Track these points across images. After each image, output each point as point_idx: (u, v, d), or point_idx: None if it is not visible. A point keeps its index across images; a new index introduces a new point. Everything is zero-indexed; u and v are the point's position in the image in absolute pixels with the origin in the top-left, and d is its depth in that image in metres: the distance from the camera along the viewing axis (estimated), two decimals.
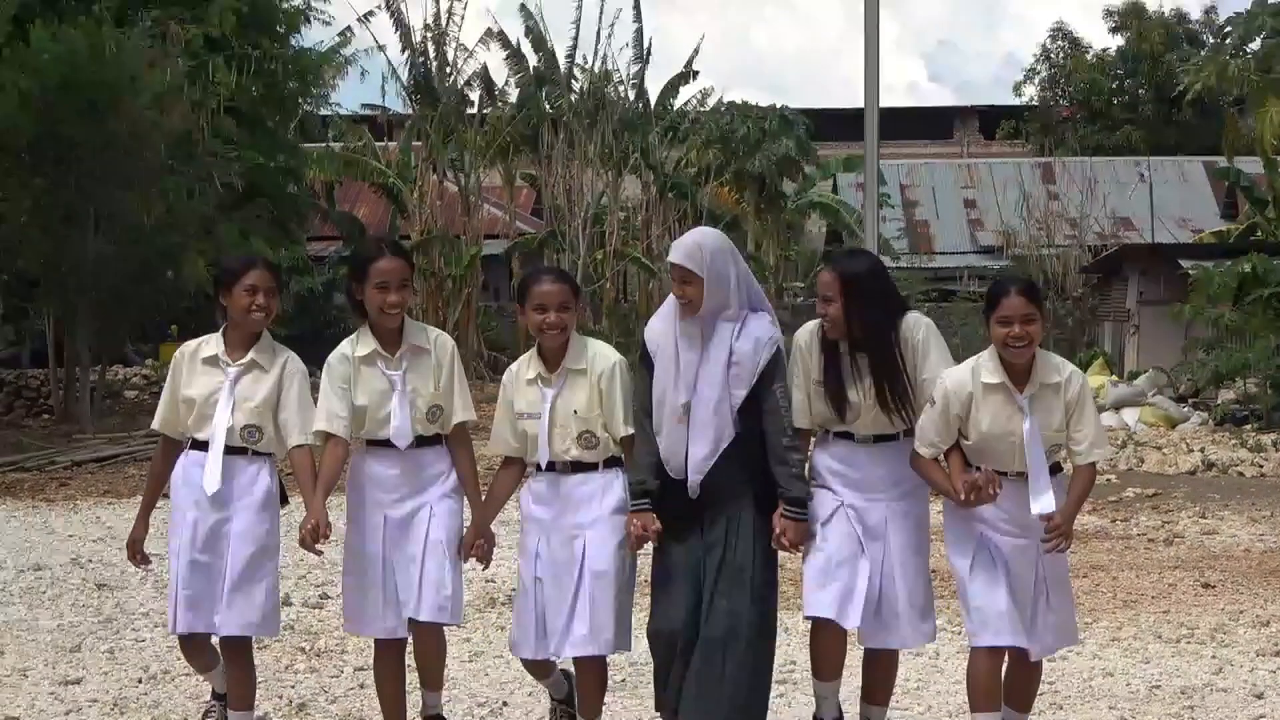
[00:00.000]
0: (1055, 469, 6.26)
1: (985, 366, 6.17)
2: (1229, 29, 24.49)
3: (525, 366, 6.52)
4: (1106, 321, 34.77)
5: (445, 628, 6.63)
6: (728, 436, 6.14)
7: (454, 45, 35.82)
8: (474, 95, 36.90)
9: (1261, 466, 18.78)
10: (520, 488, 6.76)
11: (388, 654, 6.62)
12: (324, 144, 37.96)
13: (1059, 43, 57.07)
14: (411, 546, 6.40)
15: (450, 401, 6.48)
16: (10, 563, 11.74)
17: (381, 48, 36.64)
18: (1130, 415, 23.56)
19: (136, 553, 6.86)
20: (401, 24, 35.51)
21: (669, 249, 6.38)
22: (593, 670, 6.44)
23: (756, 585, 6.18)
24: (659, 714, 6.49)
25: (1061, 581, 6.38)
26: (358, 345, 6.46)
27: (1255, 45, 22.55)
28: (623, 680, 7.81)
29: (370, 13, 36.23)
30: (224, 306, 6.57)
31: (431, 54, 35.69)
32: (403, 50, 35.71)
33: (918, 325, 6.35)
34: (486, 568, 6.87)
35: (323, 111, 39.28)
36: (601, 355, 6.46)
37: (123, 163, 23.93)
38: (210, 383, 6.50)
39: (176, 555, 6.49)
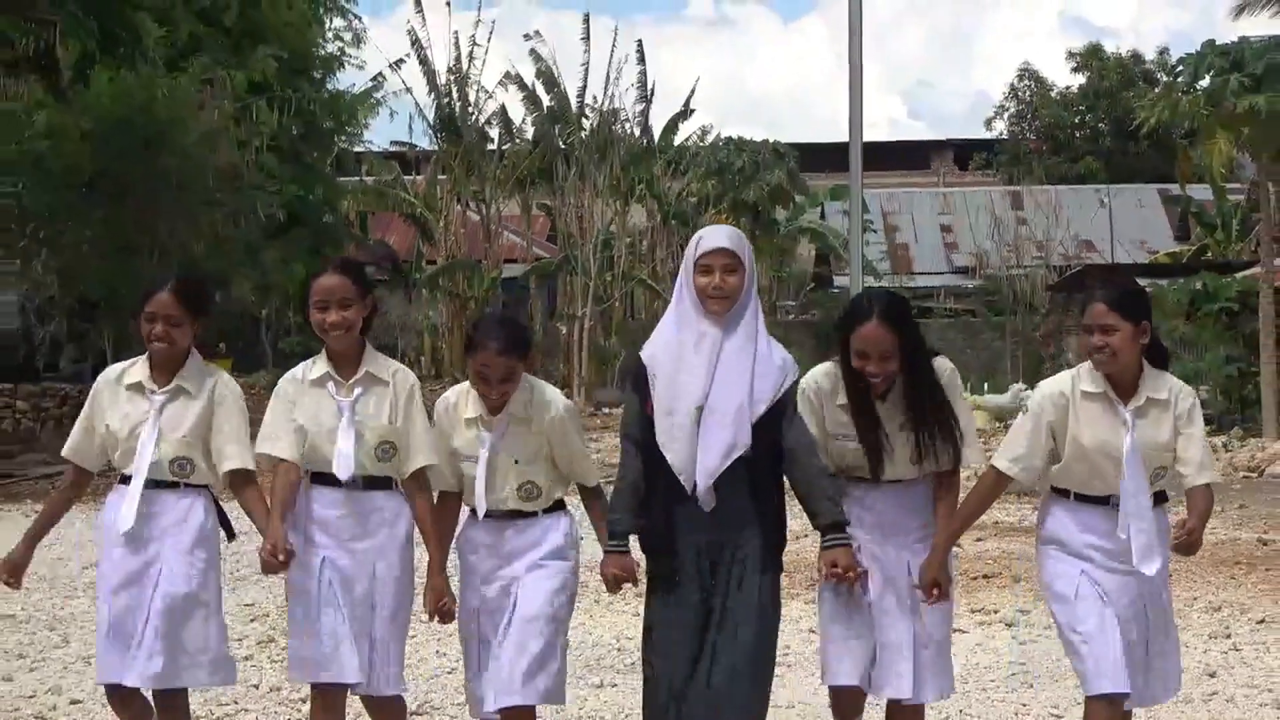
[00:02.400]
0: (1160, 497, 5.30)
1: (1085, 375, 5.26)
2: (1180, 68, 24.37)
3: (464, 402, 5.41)
4: (1071, 335, 34.79)
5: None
6: (742, 445, 5.05)
7: (475, 87, 36.01)
8: (494, 132, 37.07)
9: None
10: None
11: (327, 702, 5.37)
12: (357, 178, 38.15)
13: (1025, 82, 57.07)
14: (358, 607, 5.31)
15: (405, 441, 5.37)
16: (74, 560, 11.75)
17: (409, 90, 36.81)
18: None
19: (15, 576, 5.60)
20: (428, 69, 35.69)
21: (702, 239, 5.26)
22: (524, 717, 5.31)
23: (765, 613, 5.17)
24: None
25: (1167, 622, 5.42)
26: (312, 368, 5.43)
27: (1204, 83, 22.47)
28: None
29: (400, 60, 36.41)
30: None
31: (455, 95, 35.81)
32: (429, 92, 35.92)
33: (942, 371, 5.37)
34: (448, 622, 5.50)
35: (356, 148, 39.45)
36: (549, 402, 5.39)
37: (175, 196, 24.01)
38: (134, 412, 5.38)
39: (106, 600, 5.43)
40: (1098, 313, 5.15)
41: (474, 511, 5.39)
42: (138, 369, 5.45)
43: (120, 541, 5.35)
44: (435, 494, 5.53)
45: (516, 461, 5.34)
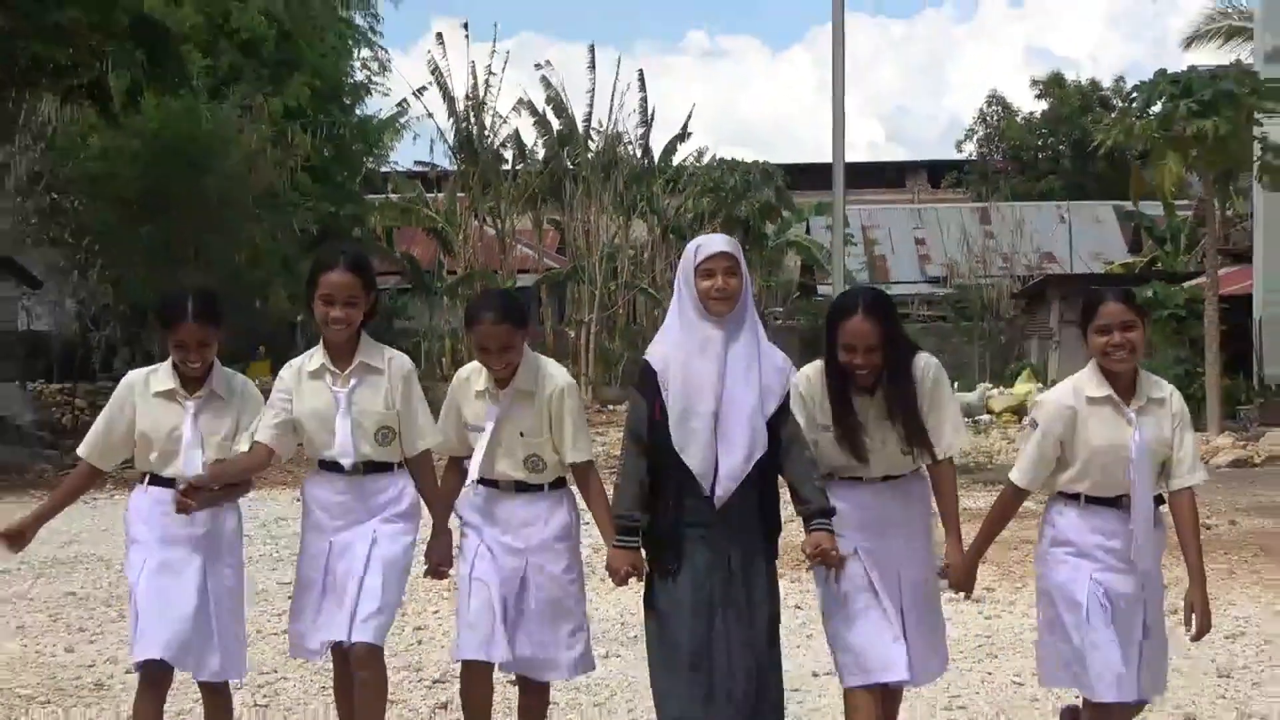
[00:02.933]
0: (1159, 500, 5.00)
1: (1087, 381, 4.97)
2: (1134, 94, 24.32)
3: (476, 376, 5.23)
4: (1033, 339, 34.86)
5: (389, 662, 5.44)
6: (761, 446, 4.86)
7: (491, 113, 35.99)
8: (508, 154, 37.04)
9: None
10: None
11: (343, 668, 5.31)
12: (384, 195, 38.26)
13: (993, 107, 57.04)
14: (355, 567, 5.10)
15: (405, 424, 5.20)
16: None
17: (430, 115, 36.90)
18: None
19: (15, 543, 5.20)
20: (448, 95, 35.63)
21: (701, 246, 5.01)
22: (537, 693, 5.34)
23: (775, 605, 5.04)
24: None
25: (1161, 623, 5.05)
26: (310, 360, 5.25)
27: (1156, 108, 22.44)
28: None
29: (422, 87, 36.57)
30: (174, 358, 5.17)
31: (472, 120, 35.78)
32: (448, 117, 35.84)
33: (928, 366, 5.09)
34: (440, 579, 5.47)
35: (383, 168, 39.64)
36: (551, 377, 5.19)
37: (217, 212, 24.11)
38: (168, 417, 5.12)
39: (149, 584, 5.07)
40: (1116, 311, 4.90)
41: (484, 480, 5.20)
42: (164, 376, 5.19)
43: (167, 538, 5.10)
44: (446, 460, 5.36)
45: (522, 434, 5.13)
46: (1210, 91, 21.48)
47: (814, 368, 5.13)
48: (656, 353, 4.99)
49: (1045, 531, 5.10)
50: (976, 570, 5.19)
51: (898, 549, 5.06)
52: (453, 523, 5.41)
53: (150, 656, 4.96)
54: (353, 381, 5.17)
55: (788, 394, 4.98)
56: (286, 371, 5.28)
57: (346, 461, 5.14)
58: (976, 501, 14.00)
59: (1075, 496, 4.99)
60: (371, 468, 5.19)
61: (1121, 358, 4.88)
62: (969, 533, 5.18)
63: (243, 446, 5.18)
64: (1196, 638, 5.02)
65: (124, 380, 5.26)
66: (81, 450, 5.27)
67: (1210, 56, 32.49)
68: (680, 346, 4.95)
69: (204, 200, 24.26)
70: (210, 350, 5.14)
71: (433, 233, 37.09)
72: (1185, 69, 22.58)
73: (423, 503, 5.35)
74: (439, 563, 5.32)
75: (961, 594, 5.24)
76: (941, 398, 5.09)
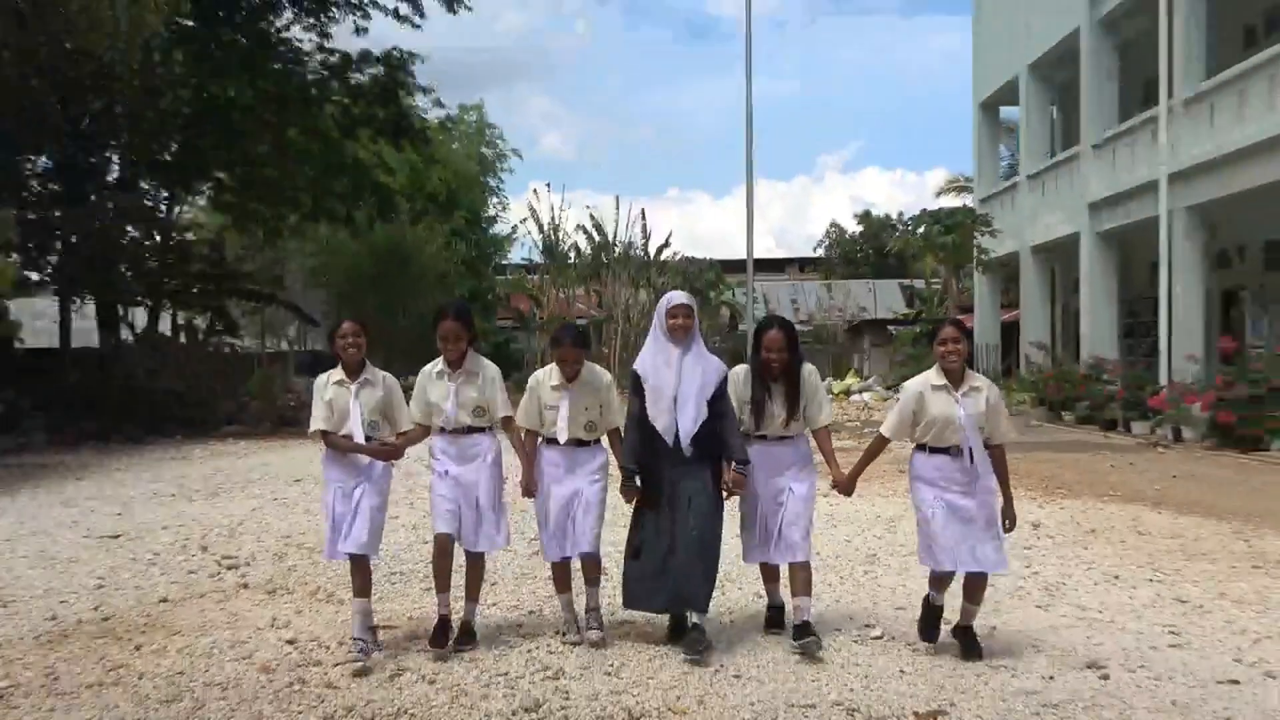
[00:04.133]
0: (985, 445, 4.53)
1: (932, 375, 4.60)
2: (909, 222, 24.42)
3: (548, 375, 4.87)
4: (854, 354, 34.74)
5: (489, 557, 5.04)
6: (703, 414, 4.64)
7: (561, 232, 36.05)
8: (571, 255, 36.98)
9: None
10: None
11: (441, 545, 4.74)
12: (505, 276, 38.16)
13: (833, 228, 56.66)
14: (470, 497, 4.72)
15: (492, 404, 4.77)
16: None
17: (529, 234, 36.71)
18: (866, 396, 23.51)
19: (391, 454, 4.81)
20: (538, 222, 35.63)
21: (671, 299, 4.82)
22: (592, 560, 4.93)
23: (714, 511, 4.74)
24: (633, 608, 4.82)
25: (993, 524, 4.51)
26: (435, 365, 4.82)
27: (921, 230, 22.54)
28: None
29: (525, 218, 36.47)
30: (335, 352, 4.79)
31: (552, 236, 35.79)
32: (539, 233, 35.86)
33: (812, 371, 4.91)
34: (530, 497, 4.91)
35: (504, 262, 39.39)
36: (602, 374, 4.93)
37: (413, 287, 24.00)
38: (341, 396, 4.73)
39: (335, 500, 4.73)
40: (951, 332, 4.53)
41: (550, 440, 4.83)
42: (336, 372, 4.80)
43: (346, 474, 4.74)
44: (524, 430, 4.89)
45: (586, 409, 4.82)
46: (951, 220, 21.48)
47: (744, 368, 4.89)
48: (640, 364, 4.78)
49: (911, 471, 4.68)
50: (855, 484, 4.88)
51: (787, 481, 4.79)
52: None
53: (351, 552, 4.64)
54: (460, 379, 4.76)
55: (723, 383, 4.72)
56: (422, 375, 4.85)
57: (449, 425, 4.74)
58: (839, 443, 13.87)
59: (923, 446, 4.59)
60: (471, 430, 4.76)
61: (953, 360, 4.50)
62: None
63: (405, 424, 4.82)
64: (1009, 530, 4.56)
65: (316, 382, 4.83)
66: (319, 426, 4.75)
67: (951, 201, 32.37)
68: (654, 360, 4.75)
69: (406, 280, 24.21)
70: (362, 340, 4.74)
71: (531, 297, 37.03)
72: (937, 208, 22.56)
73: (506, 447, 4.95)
74: (529, 486, 4.87)
75: (845, 497, 4.98)
76: (818, 389, 4.87)
